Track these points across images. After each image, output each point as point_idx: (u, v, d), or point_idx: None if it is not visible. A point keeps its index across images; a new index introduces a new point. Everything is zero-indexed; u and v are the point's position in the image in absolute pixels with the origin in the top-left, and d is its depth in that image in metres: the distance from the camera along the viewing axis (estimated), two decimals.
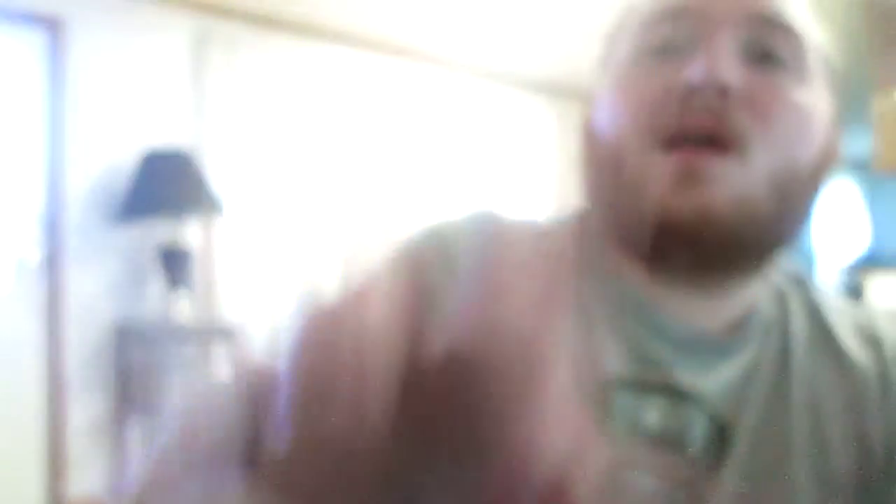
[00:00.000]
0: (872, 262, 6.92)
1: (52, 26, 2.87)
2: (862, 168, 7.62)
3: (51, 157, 2.86)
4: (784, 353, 0.50)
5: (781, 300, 0.53)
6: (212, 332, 3.14)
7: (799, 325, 0.52)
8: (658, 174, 0.44)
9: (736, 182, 0.43)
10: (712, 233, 0.43)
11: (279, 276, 3.51)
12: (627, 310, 0.50)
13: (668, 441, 0.47)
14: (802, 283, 0.55)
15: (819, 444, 0.47)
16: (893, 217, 7.42)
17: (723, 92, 0.43)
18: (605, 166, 0.49)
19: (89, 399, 2.91)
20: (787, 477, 0.46)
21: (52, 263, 2.85)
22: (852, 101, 4.70)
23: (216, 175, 3.23)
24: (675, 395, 0.48)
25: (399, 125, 3.92)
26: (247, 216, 3.40)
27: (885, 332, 0.51)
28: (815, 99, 0.47)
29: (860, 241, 7.77)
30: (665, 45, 0.47)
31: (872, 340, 0.51)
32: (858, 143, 6.54)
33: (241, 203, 3.36)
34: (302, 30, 3.56)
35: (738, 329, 0.50)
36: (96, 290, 2.94)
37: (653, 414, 0.47)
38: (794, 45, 0.47)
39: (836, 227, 7.48)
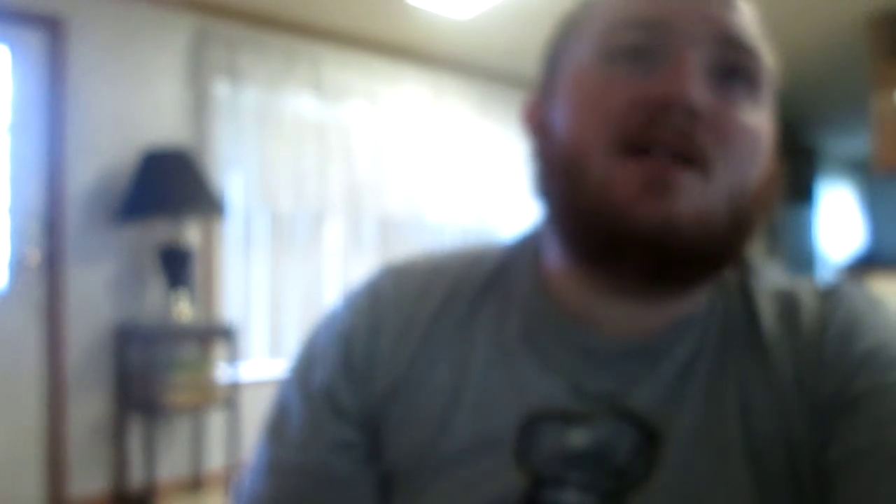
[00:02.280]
0: (872, 262, 6.94)
1: (52, 26, 2.87)
2: (862, 168, 7.64)
3: (51, 157, 2.86)
4: (721, 350, 0.51)
5: (723, 291, 0.53)
6: (212, 332, 3.14)
7: (734, 317, 0.52)
8: (625, 179, 0.45)
9: (699, 196, 0.44)
10: (674, 242, 0.44)
11: (278, 276, 3.51)
12: (559, 339, 0.51)
13: (594, 457, 0.48)
14: (742, 268, 0.55)
15: (753, 445, 0.47)
16: (893, 217, 7.44)
17: (691, 114, 0.44)
18: (564, 167, 0.48)
19: (89, 399, 2.92)
20: (724, 481, 0.46)
21: (52, 263, 2.85)
22: (852, 102, 4.70)
23: (216, 175, 3.24)
24: (603, 415, 0.49)
25: (399, 125, 3.92)
26: (247, 216, 3.40)
27: (804, 314, 0.51)
28: (765, 121, 0.49)
29: (860, 241, 7.79)
30: (631, 52, 0.47)
31: (791, 320, 0.51)
32: (858, 143, 6.56)
33: (240, 203, 3.36)
34: (302, 30, 3.56)
35: (676, 328, 0.51)
36: (96, 290, 2.94)
37: (578, 435, 0.49)
38: (753, 67, 0.48)
39: (836, 227, 7.50)
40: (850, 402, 0.45)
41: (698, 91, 0.45)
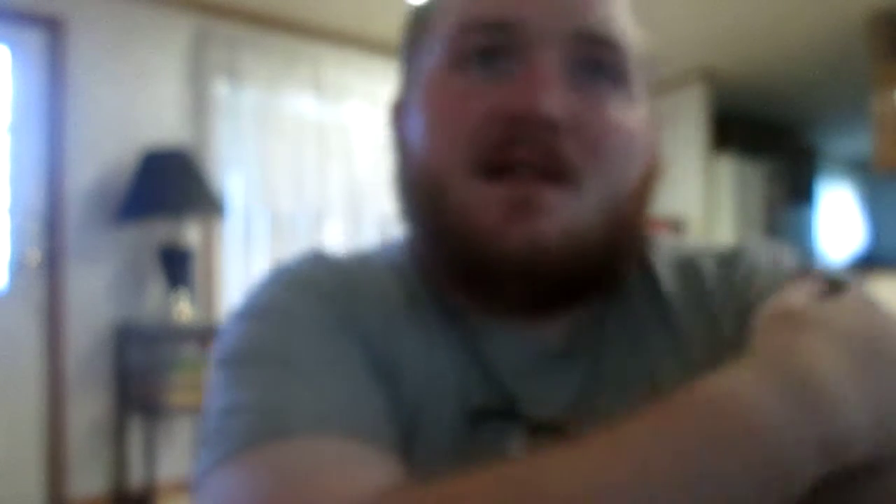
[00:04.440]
0: (872, 262, 6.95)
1: (52, 26, 2.87)
2: (862, 168, 7.64)
3: (51, 157, 2.86)
4: (624, 334, 0.49)
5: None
6: (212, 332, 3.14)
7: (636, 294, 0.50)
8: (488, 203, 0.42)
9: (567, 212, 0.42)
10: (542, 264, 0.42)
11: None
12: (476, 338, 0.48)
13: None
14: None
15: None
16: (893, 217, 7.44)
17: (553, 127, 0.41)
18: (424, 188, 0.45)
19: (89, 399, 2.91)
20: None
21: (52, 263, 2.85)
22: (852, 102, 4.70)
23: (216, 175, 3.24)
24: (531, 423, 0.47)
25: None
26: (247, 216, 3.40)
27: (707, 279, 0.50)
28: (638, 112, 0.46)
29: (860, 241, 7.79)
30: (482, 55, 0.44)
31: (694, 286, 0.50)
32: (858, 143, 6.56)
33: (240, 203, 3.36)
34: (302, 30, 3.56)
35: (575, 329, 0.49)
36: (96, 290, 2.94)
37: (517, 446, 0.46)
38: (618, 61, 0.45)
39: (836, 227, 7.49)
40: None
41: (557, 99, 0.41)
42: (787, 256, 0.49)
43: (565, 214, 0.42)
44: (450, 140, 0.44)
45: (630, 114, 0.45)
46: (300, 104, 3.57)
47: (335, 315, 0.44)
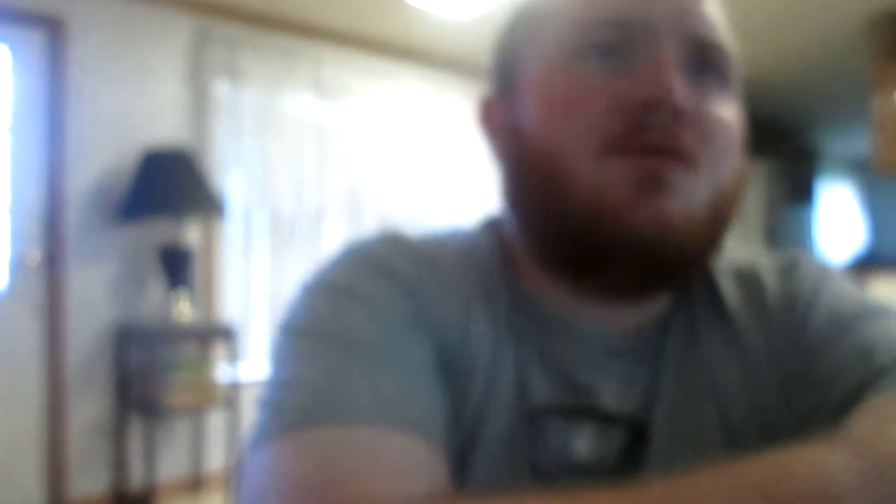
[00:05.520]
0: (872, 262, 6.94)
1: (52, 26, 2.87)
2: (862, 168, 7.64)
3: (51, 157, 2.86)
4: (689, 336, 0.51)
5: None
6: (212, 332, 3.14)
7: (699, 300, 0.53)
8: (618, 179, 0.44)
9: (688, 192, 0.45)
10: (667, 242, 0.44)
11: (278, 276, 3.51)
12: (548, 331, 0.50)
13: (599, 469, 0.48)
14: None
15: (729, 428, 0.48)
16: (893, 217, 7.43)
17: (677, 114, 0.44)
18: (544, 174, 0.47)
19: (89, 399, 2.92)
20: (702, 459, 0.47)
21: (52, 263, 2.85)
22: (852, 102, 4.70)
23: (216, 175, 3.24)
24: (601, 417, 0.48)
25: (400, 125, 3.92)
26: (247, 216, 3.40)
27: (769, 294, 0.52)
28: (736, 114, 0.49)
29: (860, 241, 7.78)
30: (604, 50, 0.46)
31: (756, 301, 0.52)
32: (858, 143, 6.56)
33: (240, 203, 3.36)
34: (302, 30, 3.56)
35: (650, 322, 0.51)
36: (96, 290, 2.94)
37: (583, 442, 0.48)
38: (724, 64, 0.49)
39: (836, 227, 7.49)
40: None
41: (681, 90, 0.44)
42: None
43: (686, 195, 0.44)
44: (573, 126, 0.46)
45: (730, 112, 0.48)
46: (300, 104, 3.57)
47: (409, 304, 0.46)
